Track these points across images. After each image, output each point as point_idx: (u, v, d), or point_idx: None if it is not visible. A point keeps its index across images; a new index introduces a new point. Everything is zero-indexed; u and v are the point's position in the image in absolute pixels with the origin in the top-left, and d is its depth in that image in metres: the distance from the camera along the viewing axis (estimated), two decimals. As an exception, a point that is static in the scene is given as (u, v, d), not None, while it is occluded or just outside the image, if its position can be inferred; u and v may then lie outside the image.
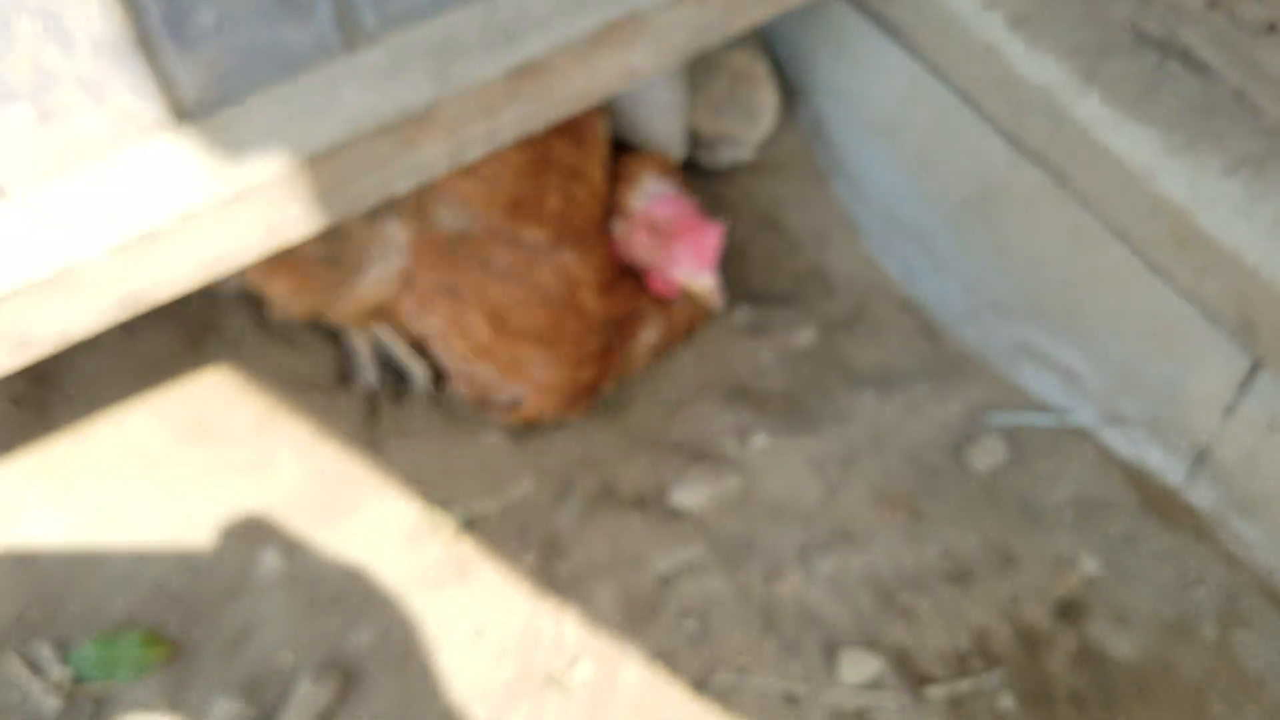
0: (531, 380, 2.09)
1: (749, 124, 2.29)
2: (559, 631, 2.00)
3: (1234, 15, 1.61)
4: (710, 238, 1.94)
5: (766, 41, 2.37)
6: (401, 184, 1.52)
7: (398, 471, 2.24)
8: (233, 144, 1.43)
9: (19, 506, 2.14)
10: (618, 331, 2.14)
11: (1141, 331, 1.79)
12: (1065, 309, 1.93)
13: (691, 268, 1.97)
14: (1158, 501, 1.96)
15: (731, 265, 2.53)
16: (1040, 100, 1.72)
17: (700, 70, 2.27)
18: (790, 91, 2.39)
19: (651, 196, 2.02)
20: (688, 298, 2.16)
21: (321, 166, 1.44)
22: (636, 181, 2.02)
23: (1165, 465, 1.91)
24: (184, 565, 2.09)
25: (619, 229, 2.06)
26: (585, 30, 1.52)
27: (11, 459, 2.21)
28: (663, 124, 2.19)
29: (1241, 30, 1.60)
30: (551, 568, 2.13)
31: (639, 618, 2.02)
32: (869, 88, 2.12)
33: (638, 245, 2.08)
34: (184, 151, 1.43)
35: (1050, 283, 1.93)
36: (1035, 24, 1.77)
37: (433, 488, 2.21)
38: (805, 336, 2.36)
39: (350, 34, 1.48)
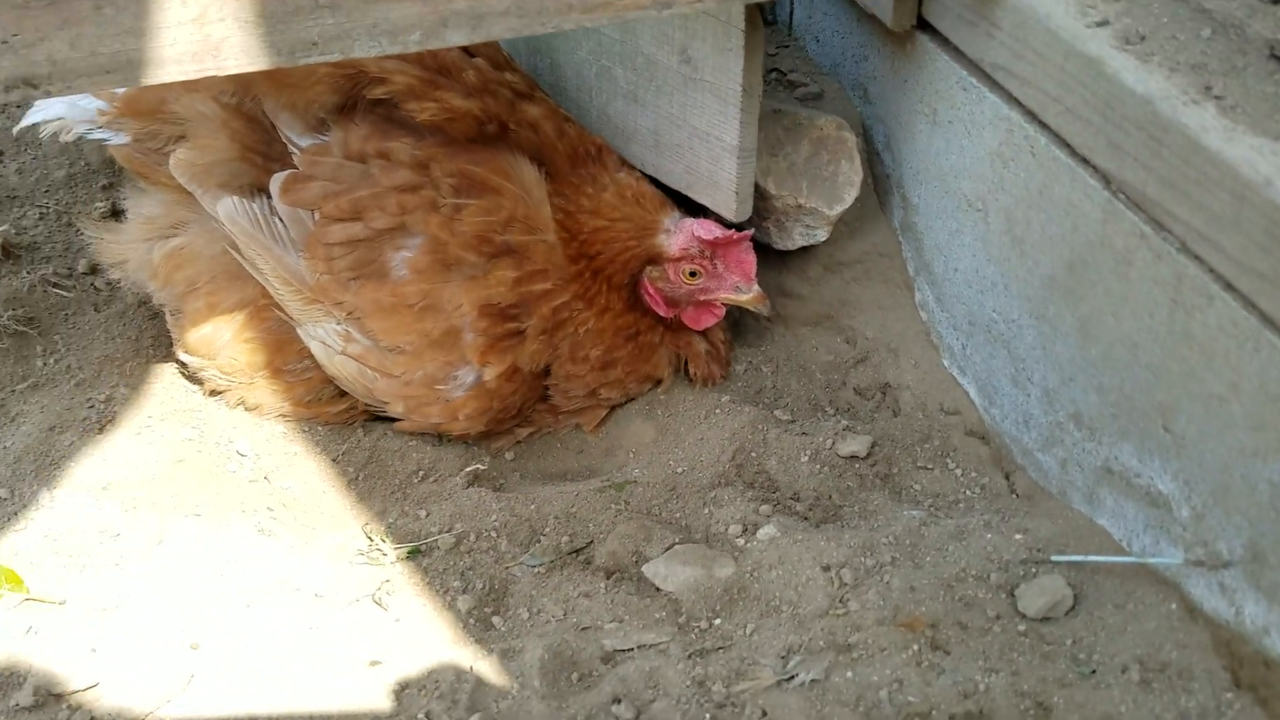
0: None
1: (828, 197, 1.99)
2: (459, 684, 1.56)
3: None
4: (747, 252, 1.89)
5: (863, 125, 2.11)
6: None
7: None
8: None
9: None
10: None
11: (1248, 418, 1.34)
12: (1157, 404, 1.50)
13: (738, 283, 1.92)
14: (1252, 674, 1.42)
15: (783, 373, 2.16)
16: (1143, 113, 1.37)
17: (780, 129, 2.01)
18: (882, 184, 2.10)
19: (680, 230, 1.92)
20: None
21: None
22: (658, 227, 1.94)
23: (1265, 622, 1.39)
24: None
25: (653, 275, 1.96)
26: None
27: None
28: (726, 169, 1.91)
29: None
30: (485, 617, 1.71)
31: (563, 688, 1.56)
32: (962, 153, 1.82)
33: (674, 283, 1.95)
34: None
35: (1140, 372, 1.52)
36: (1151, 41, 1.45)
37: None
38: (856, 445, 1.93)
39: None
